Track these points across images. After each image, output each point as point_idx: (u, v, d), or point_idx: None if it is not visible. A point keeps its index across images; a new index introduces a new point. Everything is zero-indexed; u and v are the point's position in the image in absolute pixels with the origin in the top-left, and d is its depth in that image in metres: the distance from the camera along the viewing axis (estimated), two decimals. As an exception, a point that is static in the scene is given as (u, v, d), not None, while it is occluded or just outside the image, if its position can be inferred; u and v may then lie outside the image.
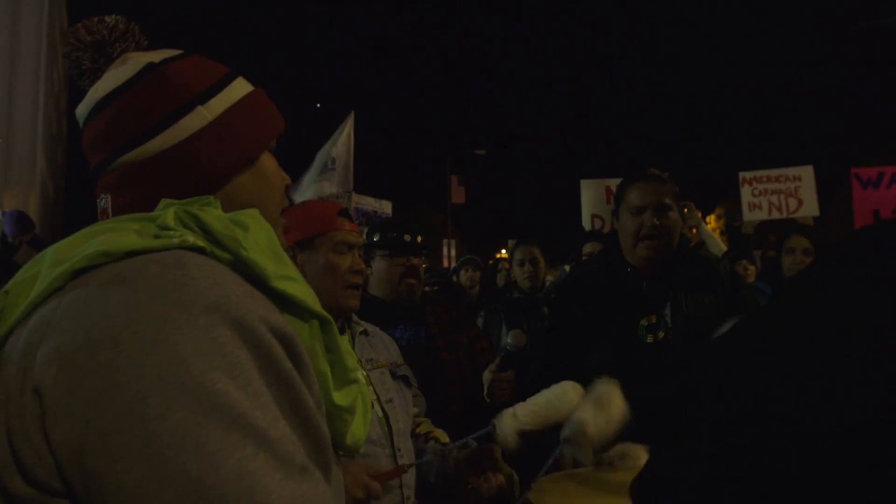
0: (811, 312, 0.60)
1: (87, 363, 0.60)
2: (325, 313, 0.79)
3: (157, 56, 0.89)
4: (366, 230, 2.69)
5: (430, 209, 36.03)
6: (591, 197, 6.32)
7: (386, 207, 7.31)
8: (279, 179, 0.95)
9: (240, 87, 0.92)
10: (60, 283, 0.68)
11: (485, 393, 2.28)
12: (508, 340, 2.17)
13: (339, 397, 0.81)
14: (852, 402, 0.52)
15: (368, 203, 7.06)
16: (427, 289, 5.08)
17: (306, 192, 6.25)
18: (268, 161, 0.93)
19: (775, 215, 6.95)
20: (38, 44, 14.59)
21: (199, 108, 0.86)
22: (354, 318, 1.90)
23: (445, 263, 18.31)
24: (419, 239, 2.54)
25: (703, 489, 0.58)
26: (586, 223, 6.25)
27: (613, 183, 6.18)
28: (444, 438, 1.90)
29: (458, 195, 24.35)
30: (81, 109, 0.89)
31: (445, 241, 20.78)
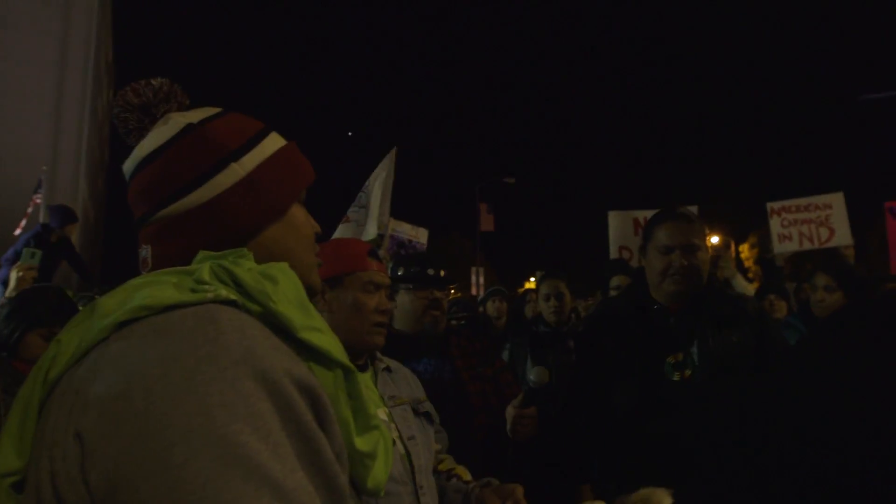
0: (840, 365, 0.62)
1: (122, 411, 0.65)
2: (348, 363, 0.83)
3: (196, 116, 0.95)
4: (390, 265, 2.73)
5: (460, 237, 36.09)
6: (619, 228, 6.26)
7: (422, 237, 7.27)
8: (308, 229, 1.00)
9: (272, 143, 0.97)
10: (106, 335, 0.73)
11: (507, 429, 2.28)
12: (531, 377, 2.17)
13: (361, 443, 0.84)
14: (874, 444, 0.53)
15: (405, 231, 7.03)
16: (453, 322, 5.08)
17: (367, 230, 6.25)
18: (297, 212, 0.97)
19: (807, 246, 6.76)
20: (84, 77, 15.26)
21: (233, 164, 0.91)
22: (378, 354, 1.93)
23: (474, 291, 18.27)
24: (442, 273, 2.57)
25: None
26: (614, 254, 6.21)
27: (641, 215, 6.12)
28: (467, 476, 1.89)
29: (487, 223, 24.39)
30: (127, 165, 0.95)
31: (474, 268, 20.76)
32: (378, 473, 0.89)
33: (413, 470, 1.70)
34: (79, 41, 15.07)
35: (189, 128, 0.92)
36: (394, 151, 6.46)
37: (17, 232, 8.56)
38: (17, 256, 5.83)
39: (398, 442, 1.71)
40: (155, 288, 0.76)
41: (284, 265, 0.85)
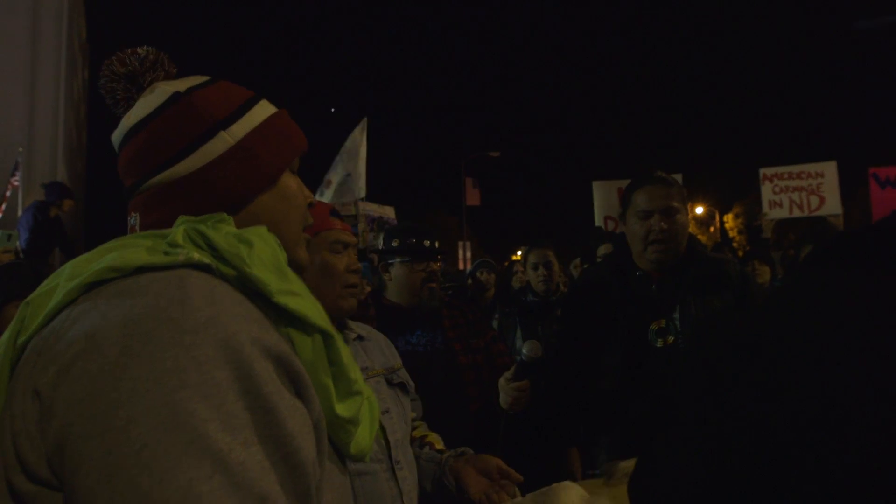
0: (800, 314, 0.62)
1: (79, 370, 0.64)
2: (327, 327, 0.81)
3: (183, 85, 0.93)
4: (382, 236, 2.72)
5: (445, 211, 36.07)
6: (604, 199, 6.30)
7: (389, 213, 7.34)
8: (301, 198, 0.97)
9: (262, 111, 0.95)
10: (74, 297, 0.72)
11: (499, 400, 2.28)
12: (524, 351, 2.16)
13: (342, 409, 0.83)
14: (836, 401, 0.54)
15: (372, 209, 7.12)
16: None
17: (337, 196, 6.37)
18: (289, 180, 0.96)
19: (796, 213, 6.84)
20: (58, 56, 14.88)
21: (221, 133, 0.89)
22: (349, 323, 1.84)
23: (461, 266, 18.31)
24: (437, 244, 2.56)
25: (691, 483, 0.60)
26: (599, 224, 6.23)
27: (626, 184, 6.14)
28: (439, 444, 1.87)
29: (472, 197, 24.34)
30: (116, 136, 0.94)
31: (461, 243, 20.80)
32: (362, 439, 0.88)
33: (388, 445, 1.64)
34: (49, 18, 14.68)
35: (176, 96, 0.91)
36: (364, 121, 6.56)
37: (-1, 217, 8.42)
38: (33, 221, 6.03)
39: None
40: (126, 250, 0.74)
41: (263, 229, 0.84)
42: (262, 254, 0.78)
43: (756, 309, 0.76)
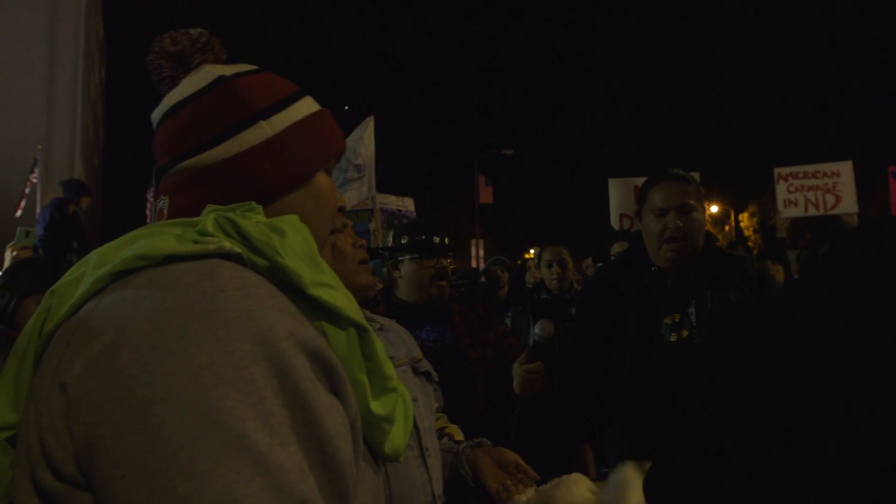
0: (814, 313, 0.61)
1: (107, 365, 0.61)
2: (362, 321, 0.78)
3: (229, 69, 0.91)
4: (391, 233, 2.72)
5: (458, 209, 36.08)
6: (619, 196, 6.24)
7: (409, 205, 7.29)
8: (332, 200, 0.95)
9: (305, 106, 0.94)
10: (101, 286, 0.69)
11: (514, 385, 2.27)
12: (536, 331, 2.15)
13: (377, 406, 0.79)
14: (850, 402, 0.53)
15: (391, 202, 7.10)
16: (452, 290, 5.09)
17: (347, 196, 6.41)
18: (323, 180, 0.93)
19: (812, 212, 6.75)
20: (76, 54, 15.09)
21: (261, 122, 0.88)
22: (367, 313, 1.82)
23: (474, 264, 18.29)
24: (446, 240, 2.56)
25: (705, 485, 0.59)
26: (615, 223, 6.19)
27: (642, 181, 6.08)
28: (459, 435, 1.87)
29: (485, 195, 24.31)
30: (156, 114, 0.92)
31: (473, 241, 20.78)
32: (396, 438, 0.84)
33: (418, 433, 1.65)
34: (68, 16, 14.88)
35: (220, 79, 0.89)
36: (371, 119, 6.57)
37: (18, 214, 8.54)
38: (50, 218, 6.14)
39: None
40: (155, 238, 0.71)
41: (294, 218, 0.80)
42: (295, 244, 0.75)
43: (773, 305, 0.75)
